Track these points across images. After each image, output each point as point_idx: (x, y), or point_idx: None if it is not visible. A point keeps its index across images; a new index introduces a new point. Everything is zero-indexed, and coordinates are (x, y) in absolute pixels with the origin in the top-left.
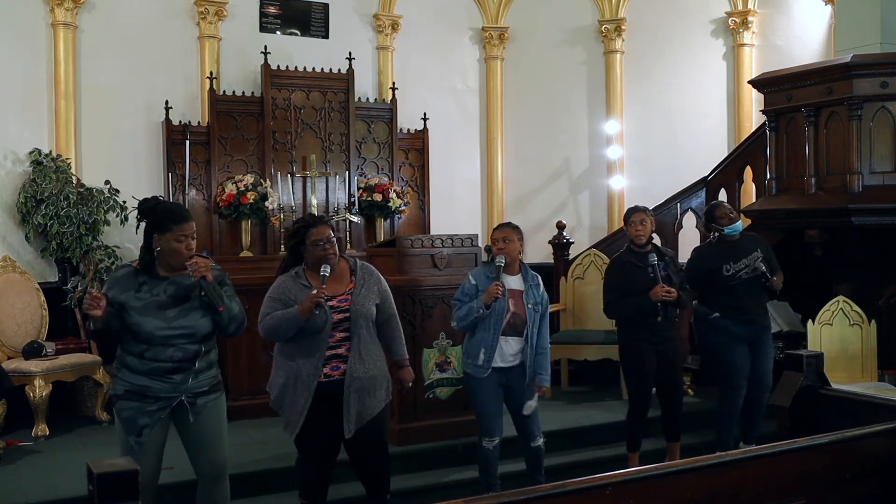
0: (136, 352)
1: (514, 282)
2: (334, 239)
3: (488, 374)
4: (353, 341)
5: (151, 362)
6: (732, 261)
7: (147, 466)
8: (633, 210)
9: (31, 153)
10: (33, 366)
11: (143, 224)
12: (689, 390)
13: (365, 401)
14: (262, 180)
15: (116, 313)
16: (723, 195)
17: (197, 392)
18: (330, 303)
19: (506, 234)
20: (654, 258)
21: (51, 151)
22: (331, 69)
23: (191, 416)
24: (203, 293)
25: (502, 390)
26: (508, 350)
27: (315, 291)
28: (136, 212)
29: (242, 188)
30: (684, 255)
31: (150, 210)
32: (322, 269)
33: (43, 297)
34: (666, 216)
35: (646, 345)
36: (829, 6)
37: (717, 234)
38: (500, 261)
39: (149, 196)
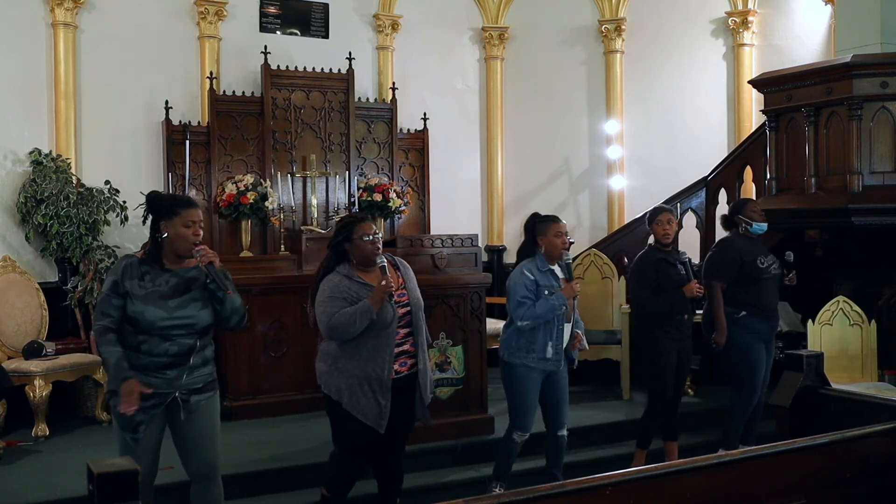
0: (133, 344)
1: (557, 272)
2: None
3: (542, 367)
4: (417, 335)
5: (147, 356)
6: (763, 255)
7: (144, 464)
8: (660, 210)
9: (31, 153)
10: (33, 366)
11: (148, 219)
12: (689, 390)
13: (428, 390)
14: (262, 180)
15: (121, 305)
16: (723, 195)
17: (191, 389)
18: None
19: (566, 227)
20: (686, 256)
21: (51, 151)
22: (331, 69)
23: (182, 413)
24: (209, 279)
25: (541, 385)
26: (564, 339)
27: (384, 282)
28: (139, 208)
29: (242, 188)
30: None
31: (157, 198)
32: (379, 261)
33: (43, 297)
34: None
35: (671, 342)
36: (829, 6)
37: (742, 228)
38: (569, 257)
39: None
